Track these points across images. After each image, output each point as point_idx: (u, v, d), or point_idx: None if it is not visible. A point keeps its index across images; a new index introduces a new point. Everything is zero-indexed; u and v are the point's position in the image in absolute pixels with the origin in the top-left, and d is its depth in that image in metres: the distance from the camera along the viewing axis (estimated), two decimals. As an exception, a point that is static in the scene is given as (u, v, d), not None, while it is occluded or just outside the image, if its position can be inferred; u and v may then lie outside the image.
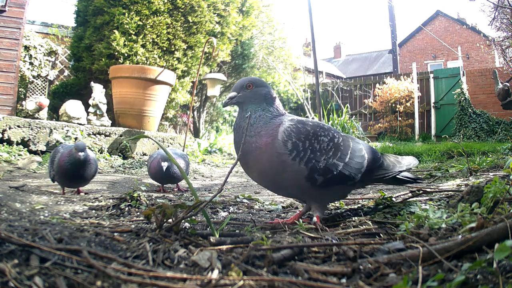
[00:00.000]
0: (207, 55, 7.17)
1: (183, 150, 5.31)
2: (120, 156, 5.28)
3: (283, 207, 2.05)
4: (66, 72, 8.24)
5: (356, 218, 1.69)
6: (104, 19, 6.34)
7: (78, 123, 5.23)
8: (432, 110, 12.18)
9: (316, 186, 1.43)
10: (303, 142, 1.38)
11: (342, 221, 1.67)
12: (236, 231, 1.45)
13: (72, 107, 5.35)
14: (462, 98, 10.64)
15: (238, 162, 1.44)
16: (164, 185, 2.91)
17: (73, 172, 2.25)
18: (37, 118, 5.30)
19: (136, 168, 4.57)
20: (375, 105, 12.57)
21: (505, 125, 9.88)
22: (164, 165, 2.56)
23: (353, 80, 15.16)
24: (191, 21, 6.79)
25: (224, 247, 1.14)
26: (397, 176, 1.67)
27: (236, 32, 7.81)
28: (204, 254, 1.03)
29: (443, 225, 1.23)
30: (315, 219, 1.48)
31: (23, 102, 5.96)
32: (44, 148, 4.68)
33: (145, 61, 6.34)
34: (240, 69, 8.96)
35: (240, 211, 1.98)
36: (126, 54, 6.19)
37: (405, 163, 1.65)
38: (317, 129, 1.44)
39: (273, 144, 1.38)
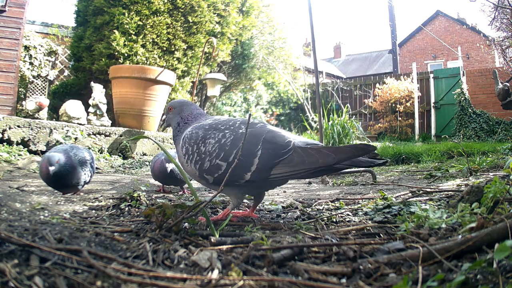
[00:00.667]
0: (207, 55, 7.17)
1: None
2: (120, 156, 5.28)
3: (283, 207, 2.05)
4: (66, 72, 8.24)
5: (356, 218, 1.69)
6: (104, 19, 6.34)
7: (78, 123, 5.22)
8: (432, 110, 12.19)
9: (214, 183, 1.56)
10: (192, 146, 1.57)
11: (342, 221, 1.67)
12: (236, 231, 1.45)
13: (72, 107, 5.35)
14: (462, 98, 10.64)
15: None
16: (165, 186, 2.87)
17: (54, 181, 2.11)
18: (37, 118, 5.30)
19: (136, 168, 4.57)
20: (375, 105, 12.57)
21: (505, 125, 9.88)
22: (169, 166, 2.47)
23: (353, 80, 15.16)
24: (191, 21, 6.78)
25: (224, 247, 1.14)
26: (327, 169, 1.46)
27: (236, 32, 7.81)
28: (204, 254, 1.03)
29: (443, 225, 1.23)
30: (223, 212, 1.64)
31: (23, 102, 5.96)
32: (44, 148, 4.68)
33: (145, 61, 6.33)
34: (240, 69, 8.96)
35: (240, 211, 1.98)
36: (126, 54, 6.19)
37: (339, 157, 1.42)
38: (209, 132, 1.57)
39: (178, 150, 1.65)
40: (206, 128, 1.59)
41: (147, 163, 4.86)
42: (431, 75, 12.51)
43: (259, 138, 1.49)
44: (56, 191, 2.43)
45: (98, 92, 5.71)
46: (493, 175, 2.84)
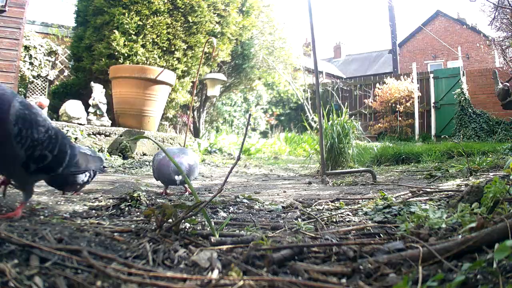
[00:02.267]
0: (207, 55, 7.17)
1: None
2: (120, 156, 5.28)
3: (283, 207, 2.05)
4: (66, 72, 8.24)
5: (356, 218, 1.69)
6: (104, 19, 6.34)
7: (78, 123, 5.22)
8: (432, 110, 12.19)
9: (28, 172, 1.48)
10: (27, 130, 1.39)
11: (342, 221, 1.67)
12: (236, 231, 1.45)
13: (72, 107, 5.35)
14: (462, 98, 10.64)
15: (238, 162, 1.45)
16: (168, 189, 2.79)
17: (50, 180, 2.11)
18: (37, 118, 5.29)
19: (136, 168, 4.57)
20: (375, 105, 12.58)
21: (505, 125, 9.88)
22: (178, 179, 2.40)
23: (353, 80, 15.18)
24: (191, 21, 6.79)
25: (224, 247, 1.14)
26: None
27: (236, 32, 7.81)
28: (204, 254, 1.03)
29: (443, 225, 1.23)
30: (19, 206, 1.50)
31: (23, 102, 5.95)
32: (44, 148, 4.68)
33: (145, 61, 6.34)
34: (240, 69, 8.96)
35: (240, 211, 1.98)
36: (126, 54, 6.19)
37: (93, 165, 2.04)
38: (38, 118, 1.46)
39: (4, 124, 1.34)
40: (34, 111, 1.44)
41: (147, 163, 4.86)
42: (431, 75, 12.52)
43: (65, 137, 1.65)
44: (56, 191, 2.43)
45: (98, 92, 5.71)
46: (493, 175, 2.84)
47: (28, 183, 1.58)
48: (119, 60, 6.20)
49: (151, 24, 6.39)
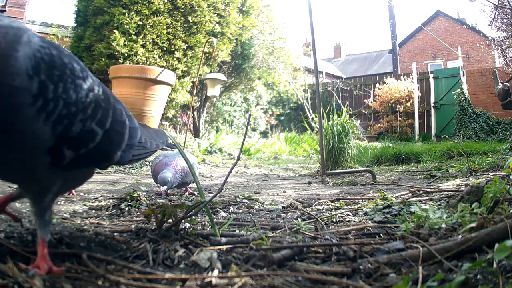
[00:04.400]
0: (207, 55, 7.17)
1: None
2: (120, 156, 5.27)
3: (283, 207, 2.05)
4: (66, 72, 8.24)
5: (356, 218, 1.69)
6: (104, 19, 6.34)
7: (78, 123, 5.22)
8: (432, 110, 12.18)
9: (60, 166, 0.83)
10: (56, 84, 0.76)
11: (342, 221, 1.67)
12: (236, 231, 1.45)
13: (72, 107, 5.35)
14: (462, 98, 10.65)
15: (238, 162, 1.44)
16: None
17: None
18: (37, 118, 5.29)
19: (136, 168, 4.57)
20: (375, 105, 12.58)
21: (505, 125, 9.88)
22: (163, 189, 2.35)
23: (353, 80, 15.19)
24: (191, 21, 6.79)
25: (224, 247, 1.14)
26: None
27: (236, 32, 7.81)
28: (204, 254, 1.03)
29: (443, 225, 1.23)
30: (39, 249, 0.86)
31: (23, 102, 5.95)
32: (44, 148, 4.67)
33: (145, 61, 6.34)
34: (240, 69, 8.96)
35: (240, 211, 1.98)
36: (126, 54, 6.19)
37: (159, 140, 1.25)
38: (74, 65, 0.82)
39: (8, 70, 0.69)
40: (66, 53, 0.83)
41: (147, 163, 4.86)
42: (431, 75, 12.52)
43: (117, 99, 0.99)
44: (56, 191, 2.42)
45: (98, 92, 5.71)
46: (493, 175, 2.84)
47: (52, 192, 0.89)
48: (119, 60, 6.20)
49: (151, 24, 6.39)
